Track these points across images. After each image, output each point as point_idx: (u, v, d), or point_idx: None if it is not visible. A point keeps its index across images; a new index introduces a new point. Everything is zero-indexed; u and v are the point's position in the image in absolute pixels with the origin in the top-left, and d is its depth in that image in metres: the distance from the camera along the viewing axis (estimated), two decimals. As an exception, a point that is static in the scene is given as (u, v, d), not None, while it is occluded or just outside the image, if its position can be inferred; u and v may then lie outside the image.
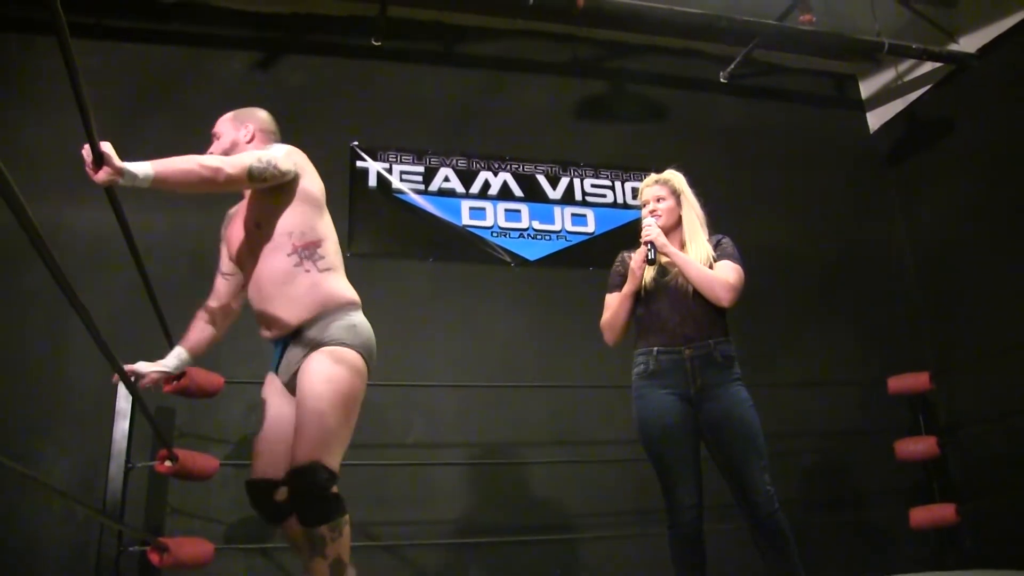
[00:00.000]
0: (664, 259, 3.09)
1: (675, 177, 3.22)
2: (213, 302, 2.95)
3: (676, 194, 3.17)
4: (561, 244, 5.67)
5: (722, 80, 6.45)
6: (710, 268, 3.00)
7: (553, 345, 5.30)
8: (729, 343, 3.02)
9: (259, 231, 2.72)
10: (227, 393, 4.29)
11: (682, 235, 3.13)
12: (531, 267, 5.55)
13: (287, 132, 5.35)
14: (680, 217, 3.15)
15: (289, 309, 2.64)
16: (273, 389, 2.76)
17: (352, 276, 5.04)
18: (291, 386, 2.71)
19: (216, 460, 4.16)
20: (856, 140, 6.72)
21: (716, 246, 3.09)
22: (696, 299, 2.99)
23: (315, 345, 2.61)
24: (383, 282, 5.22)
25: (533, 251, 5.58)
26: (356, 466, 4.38)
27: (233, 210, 2.97)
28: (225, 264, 2.95)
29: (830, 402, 5.60)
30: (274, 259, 2.69)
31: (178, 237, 4.88)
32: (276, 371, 2.76)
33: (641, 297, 3.11)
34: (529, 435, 5.08)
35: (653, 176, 3.25)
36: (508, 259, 5.53)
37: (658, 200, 3.16)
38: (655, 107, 6.20)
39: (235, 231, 2.84)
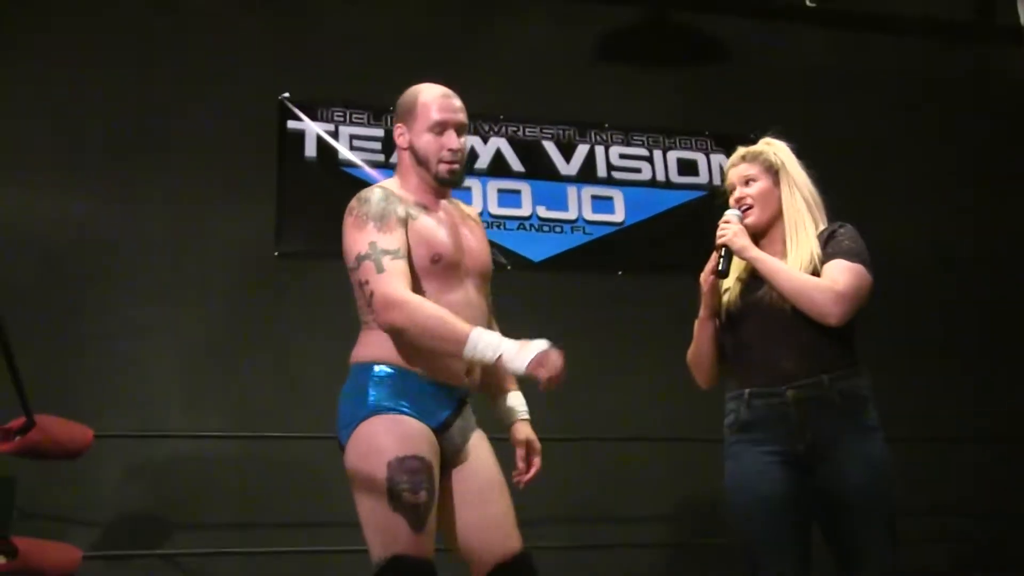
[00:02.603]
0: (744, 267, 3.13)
1: (771, 148, 3.21)
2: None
3: (773, 171, 3.16)
4: (577, 239, 5.64)
5: (809, 4, 6.23)
6: (815, 273, 2.98)
7: (567, 380, 5.15)
8: (858, 376, 3.00)
9: (489, 274, 3.16)
10: (96, 452, 4.21)
11: (784, 230, 3.13)
12: (535, 271, 5.48)
13: (191, 81, 5.50)
14: (781, 204, 3.14)
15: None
16: (431, 448, 2.88)
17: (282, 284, 5.00)
18: (453, 453, 2.99)
19: (78, 551, 4.07)
20: (1010, 86, 6.45)
21: (828, 240, 3.06)
22: (799, 318, 2.96)
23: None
24: (326, 293, 4.91)
25: (538, 249, 5.55)
26: (294, 554, 4.55)
27: (443, 219, 3.09)
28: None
29: (1000, 464, 5.48)
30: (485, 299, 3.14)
31: (24, 224, 4.92)
32: (440, 426, 2.93)
33: (724, 322, 3.14)
34: (534, 508, 4.54)
35: (741, 150, 3.23)
36: (503, 259, 5.43)
37: (747, 183, 3.16)
38: (711, 45, 6.15)
39: (477, 250, 3.15)
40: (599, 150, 5.92)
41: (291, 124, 5.53)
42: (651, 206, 5.85)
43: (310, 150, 5.53)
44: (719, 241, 3.05)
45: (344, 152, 5.58)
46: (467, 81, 5.28)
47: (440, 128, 3.01)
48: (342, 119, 5.65)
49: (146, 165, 5.27)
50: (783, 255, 3.07)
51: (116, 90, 5.34)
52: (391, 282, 2.75)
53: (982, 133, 6.46)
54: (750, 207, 3.13)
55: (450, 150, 3.01)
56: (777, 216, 3.14)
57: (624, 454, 5.07)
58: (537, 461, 3.16)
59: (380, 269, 2.77)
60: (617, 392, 5.02)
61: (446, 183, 3.07)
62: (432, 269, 2.92)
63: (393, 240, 2.84)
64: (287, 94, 5.57)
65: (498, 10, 5.98)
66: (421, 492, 2.74)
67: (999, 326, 6.02)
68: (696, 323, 3.16)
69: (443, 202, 3.10)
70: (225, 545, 4.55)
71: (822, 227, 3.11)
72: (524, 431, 3.17)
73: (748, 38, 6.28)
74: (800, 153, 3.26)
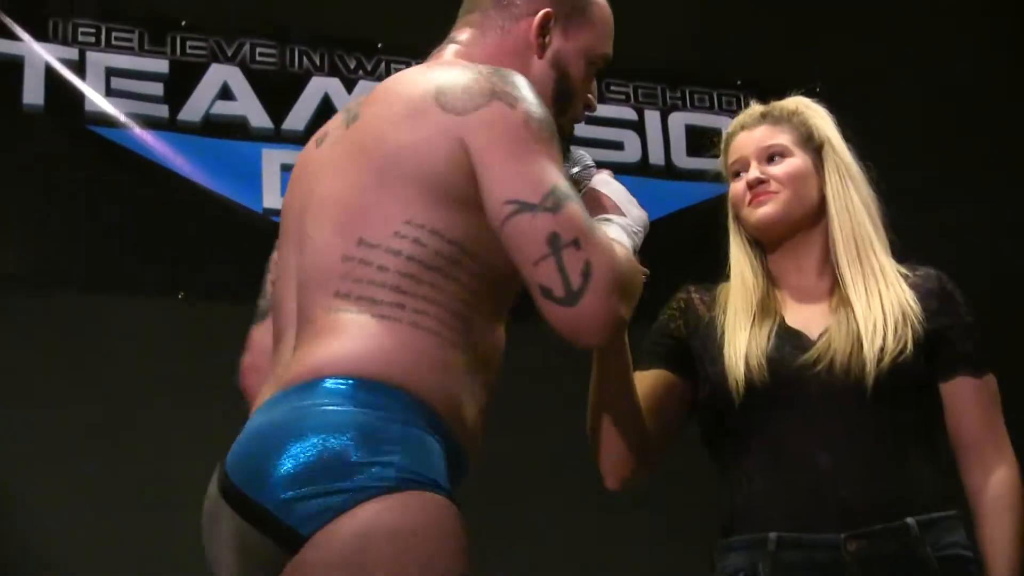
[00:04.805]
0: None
1: (809, 110, 2.62)
2: None
3: (814, 147, 2.53)
4: None
5: None
6: (905, 345, 2.32)
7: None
8: (957, 524, 2.36)
9: None
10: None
11: (829, 245, 2.49)
12: None
13: None
14: (823, 199, 2.49)
15: None
16: None
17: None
18: None
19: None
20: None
21: (942, 305, 2.42)
22: (877, 409, 2.33)
23: None
24: (64, 340, 4.25)
25: None
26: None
27: None
28: None
29: None
30: None
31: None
32: None
33: (736, 403, 2.39)
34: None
35: (757, 107, 2.65)
36: None
37: (770, 157, 2.50)
38: None
39: None
40: (559, 109, 4.61)
41: (-1, 43, 4.40)
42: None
43: (32, 94, 4.29)
44: None
45: (98, 99, 4.33)
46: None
47: (603, 64, 2.32)
48: (95, 39, 4.39)
49: None
50: (827, 291, 2.51)
51: None
52: (618, 255, 1.94)
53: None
54: (769, 196, 2.50)
55: (590, 108, 2.35)
56: (813, 216, 2.51)
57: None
58: None
59: (594, 230, 1.89)
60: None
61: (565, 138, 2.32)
62: None
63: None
64: (-15, -12, 4.55)
65: None
66: None
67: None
68: (643, 379, 2.50)
69: None
70: None
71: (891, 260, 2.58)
72: None
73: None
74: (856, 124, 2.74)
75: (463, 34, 2.17)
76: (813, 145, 2.54)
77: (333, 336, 1.81)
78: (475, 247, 1.86)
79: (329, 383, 1.76)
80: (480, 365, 1.94)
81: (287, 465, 1.66)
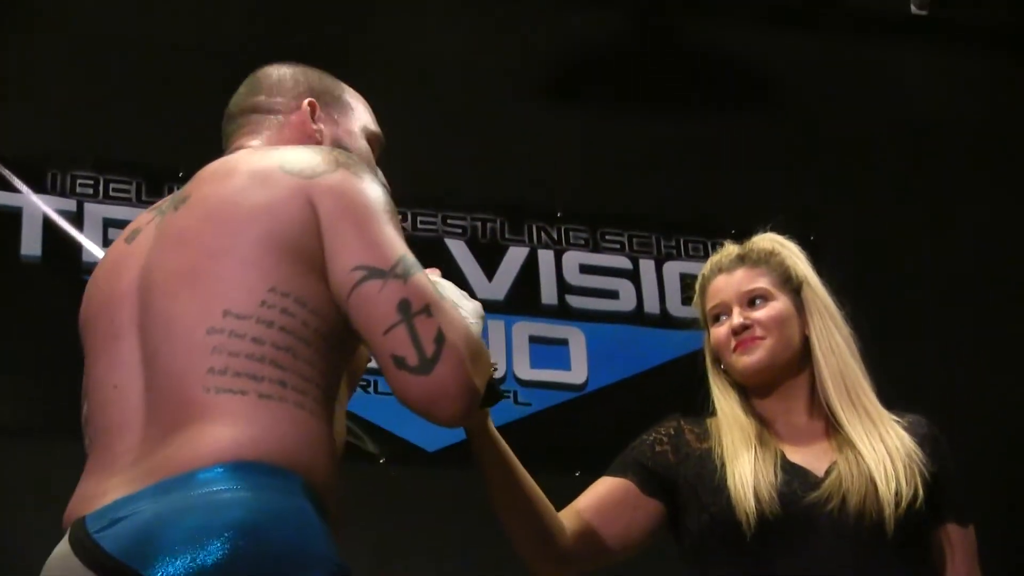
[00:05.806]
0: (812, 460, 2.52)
1: (785, 249, 2.68)
2: None
3: (792, 288, 2.61)
4: (505, 413, 4.36)
5: (916, 11, 5.28)
6: (916, 492, 2.39)
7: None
8: None
9: None
10: None
11: (817, 386, 2.54)
12: (429, 468, 4.60)
13: None
14: (807, 341, 2.55)
15: None
16: None
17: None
18: None
19: None
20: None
21: (934, 451, 2.49)
22: (890, 551, 2.38)
23: None
24: (62, 491, 3.97)
25: (435, 431, 4.05)
26: None
27: None
28: None
29: None
30: None
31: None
32: None
33: (747, 533, 2.40)
34: None
35: (732, 248, 2.71)
36: (372, 448, 4.54)
37: (752, 300, 2.58)
38: (745, 81, 5.25)
39: None
40: (546, 257, 4.84)
41: (-1, 197, 4.58)
42: (636, 357, 4.75)
43: (30, 245, 4.44)
44: None
45: (94, 249, 4.45)
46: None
47: (378, 146, 2.46)
48: (92, 190, 4.54)
49: None
50: (822, 431, 2.53)
51: None
52: (468, 325, 2.04)
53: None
54: (757, 343, 2.54)
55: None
56: (799, 360, 2.56)
57: None
58: None
59: (442, 299, 1.99)
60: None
61: None
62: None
63: None
64: (-12, 143, 4.66)
65: (382, 10, 5.08)
66: None
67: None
68: (598, 489, 2.53)
69: None
70: None
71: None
72: None
73: (806, 66, 5.26)
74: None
75: (249, 140, 2.18)
76: (792, 286, 2.60)
77: (225, 419, 1.72)
78: (332, 319, 1.85)
79: (241, 468, 1.69)
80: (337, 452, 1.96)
81: (216, 556, 1.56)
